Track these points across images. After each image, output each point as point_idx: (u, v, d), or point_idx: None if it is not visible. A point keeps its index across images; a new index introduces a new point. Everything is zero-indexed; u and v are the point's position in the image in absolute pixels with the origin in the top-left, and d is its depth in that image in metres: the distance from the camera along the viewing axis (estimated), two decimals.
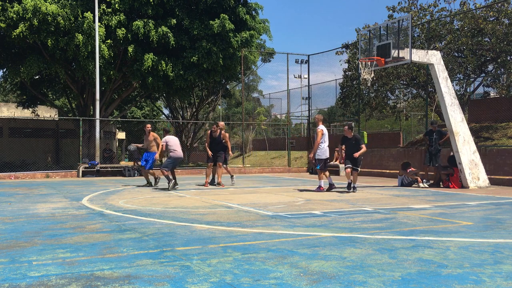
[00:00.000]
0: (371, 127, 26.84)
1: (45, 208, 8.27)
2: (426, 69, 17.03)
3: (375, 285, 3.52)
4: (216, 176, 13.41)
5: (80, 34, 19.29)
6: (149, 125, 13.25)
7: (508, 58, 17.98)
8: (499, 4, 17.86)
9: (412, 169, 13.43)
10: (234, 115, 51.55)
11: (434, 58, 12.56)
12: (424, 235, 5.58)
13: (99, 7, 19.87)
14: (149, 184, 13.35)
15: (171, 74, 21.32)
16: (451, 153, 12.93)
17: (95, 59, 19.27)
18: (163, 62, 21.01)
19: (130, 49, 20.92)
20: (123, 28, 20.61)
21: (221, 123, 13.66)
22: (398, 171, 13.94)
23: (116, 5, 20.44)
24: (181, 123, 33.03)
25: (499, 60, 18.03)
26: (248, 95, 54.69)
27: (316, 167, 11.45)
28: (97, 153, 19.38)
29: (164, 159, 12.90)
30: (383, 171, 18.02)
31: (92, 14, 19.20)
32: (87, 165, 18.52)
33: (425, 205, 8.66)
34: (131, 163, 21.14)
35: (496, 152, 14.40)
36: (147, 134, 13.18)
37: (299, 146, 27.87)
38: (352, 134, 11.46)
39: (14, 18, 18.41)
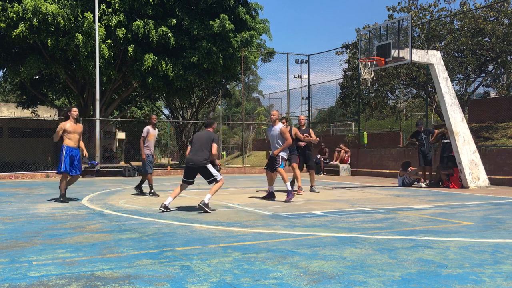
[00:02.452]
0: (371, 127, 26.83)
1: (45, 208, 8.27)
2: (426, 69, 17.03)
3: (375, 285, 3.52)
4: (309, 180, 11.67)
5: (80, 34, 19.30)
6: (75, 109, 9.42)
7: (508, 58, 17.97)
8: (499, 4, 17.86)
9: (412, 168, 13.44)
10: (234, 115, 51.56)
11: (434, 58, 12.55)
12: (424, 235, 5.58)
13: (99, 7, 19.87)
14: (62, 199, 9.18)
15: (171, 74, 21.33)
16: (451, 153, 12.93)
17: (95, 59, 19.27)
18: (163, 62, 21.02)
19: (130, 49, 20.93)
20: (123, 28, 20.62)
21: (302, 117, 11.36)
22: (398, 171, 13.94)
23: (116, 5, 20.44)
24: (181, 123, 33.02)
25: (499, 60, 18.03)
26: (248, 95, 54.66)
27: (280, 165, 9.41)
28: (97, 153, 19.38)
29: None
30: (383, 171, 18.02)
31: (92, 14, 19.20)
32: (87, 165, 18.51)
33: (425, 205, 8.66)
34: (132, 163, 21.12)
35: (496, 152, 14.39)
36: (74, 122, 9.21)
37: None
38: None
39: (14, 18, 18.41)
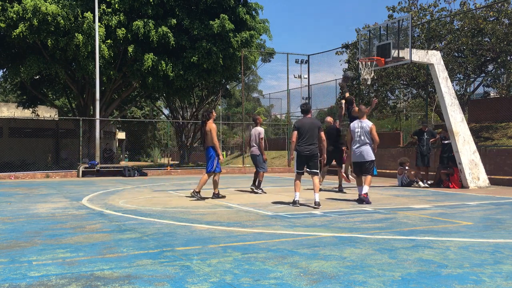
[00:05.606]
0: None
1: (45, 208, 8.27)
2: (426, 69, 17.02)
3: (375, 285, 3.52)
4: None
5: (80, 34, 19.30)
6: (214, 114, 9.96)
7: (508, 58, 17.96)
8: (499, 4, 17.86)
9: (408, 168, 13.41)
10: (234, 115, 51.57)
11: (434, 58, 12.55)
12: (424, 235, 5.57)
13: (99, 7, 19.87)
14: (221, 195, 9.85)
15: (171, 74, 21.33)
16: (452, 153, 12.92)
17: (95, 59, 19.27)
18: (163, 62, 21.01)
19: (130, 49, 20.93)
20: (123, 28, 20.62)
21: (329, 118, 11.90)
22: (397, 171, 13.93)
23: (116, 5, 20.45)
24: (181, 123, 33.03)
25: (499, 60, 18.02)
26: (248, 95, 54.71)
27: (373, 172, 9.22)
28: (97, 153, 19.39)
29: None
30: (383, 171, 18.01)
31: (92, 14, 19.20)
32: (87, 165, 18.53)
33: (425, 205, 8.65)
34: (131, 163, 21.14)
35: (496, 152, 14.39)
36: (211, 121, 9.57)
37: None
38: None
39: (14, 18, 18.42)
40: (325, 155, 8.94)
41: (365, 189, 8.88)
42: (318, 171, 8.51)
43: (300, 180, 8.50)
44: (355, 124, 9.16)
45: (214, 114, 9.78)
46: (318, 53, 23.79)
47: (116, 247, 4.90)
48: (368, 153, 8.90)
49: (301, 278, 3.71)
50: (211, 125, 9.39)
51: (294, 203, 8.33)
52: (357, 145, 8.93)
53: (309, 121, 8.38)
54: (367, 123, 9.04)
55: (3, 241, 5.25)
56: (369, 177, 9.04)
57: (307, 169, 8.45)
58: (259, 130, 10.92)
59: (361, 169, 9.05)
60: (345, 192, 11.04)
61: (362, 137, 8.91)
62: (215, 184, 9.62)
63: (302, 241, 5.19)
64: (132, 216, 7.15)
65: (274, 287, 3.49)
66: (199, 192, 9.46)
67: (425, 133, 13.53)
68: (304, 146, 8.25)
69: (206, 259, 4.34)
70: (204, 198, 9.44)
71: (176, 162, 34.00)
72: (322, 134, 8.45)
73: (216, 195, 9.64)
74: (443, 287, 3.49)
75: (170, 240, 5.25)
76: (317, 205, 8.26)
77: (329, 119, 12.29)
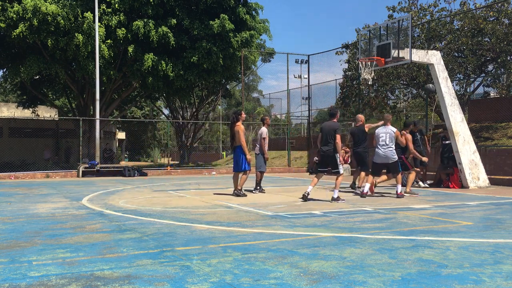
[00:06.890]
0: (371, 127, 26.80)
1: (45, 208, 8.27)
2: (426, 69, 17.03)
3: (375, 285, 3.52)
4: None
5: (80, 34, 19.31)
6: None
7: (508, 58, 17.96)
8: (499, 4, 17.85)
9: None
10: None
11: (434, 58, 12.55)
12: (424, 235, 5.57)
13: (99, 7, 19.88)
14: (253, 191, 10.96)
15: (171, 74, 21.34)
16: (452, 154, 12.91)
17: (95, 59, 19.28)
18: (163, 62, 21.02)
19: (130, 49, 20.93)
20: (123, 28, 20.63)
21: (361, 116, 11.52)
22: None
23: (116, 5, 20.46)
24: (181, 123, 33.04)
25: (499, 60, 18.01)
26: (248, 95, 54.72)
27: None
28: (97, 153, 19.39)
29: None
30: (383, 170, 17.98)
31: (92, 14, 19.21)
32: (87, 165, 18.53)
33: (425, 205, 8.65)
34: (131, 163, 21.15)
35: (496, 152, 14.39)
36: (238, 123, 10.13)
37: (299, 146, 27.84)
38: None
39: (14, 18, 18.43)
40: (341, 158, 9.59)
41: (399, 188, 9.99)
42: (338, 170, 9.21)
43: (316, 177, 9.42)
44: (381, 130, 10.15)
45: (243, 115, 10.27)
46: (318, 53, 23.78)
47: (116, 247, 4.90)
48: (392, 154, 9.92)
49: (301, 278, 3.71)
50: (240, 126, 9.94)
51: (304, 194, 9.23)
52: (382, 148, 9.94)
53: (329, 124, 9.25)
54: (392, 129, 10.04)
55: (3, 241, 5.25)
56: (399, 175, 10.11)
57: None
58: (262, 130, 11.29)
59: (386, 169, 10.21)
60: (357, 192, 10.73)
61: (387, 141, 9.92)
62: (243, 181, 10.10)
63: (302, 241, 5.19)
64: (132, 216, 7.15)
65: (274, 287, 3.49)
66: (241, 189, 10.07)
67: (417, 133, 13.56)
68: (322, 147, 9.26)
69: (206, 259, 4.34)
70: (246, 195, 10.10)
71: (176, 162, 34.00)
72: (338, 136, 9.10)
73: (238, 193, 10.10)
74: (443, 287, 3.49)
75: (170, 240, 5.25)
76: (332, 200, 9.04)
77: (359, 117, 11.60)
